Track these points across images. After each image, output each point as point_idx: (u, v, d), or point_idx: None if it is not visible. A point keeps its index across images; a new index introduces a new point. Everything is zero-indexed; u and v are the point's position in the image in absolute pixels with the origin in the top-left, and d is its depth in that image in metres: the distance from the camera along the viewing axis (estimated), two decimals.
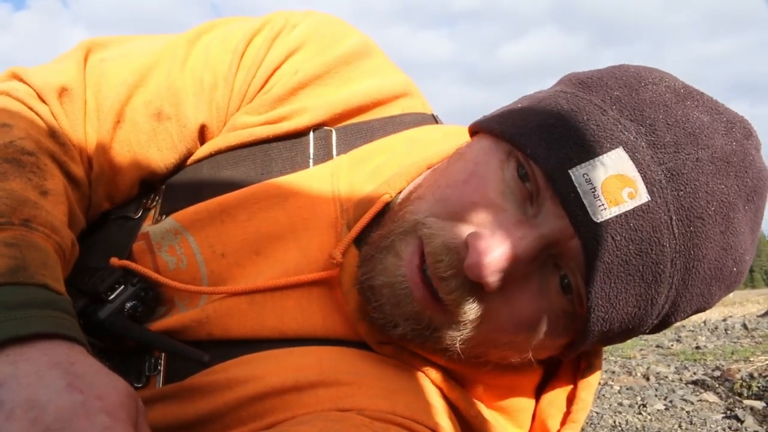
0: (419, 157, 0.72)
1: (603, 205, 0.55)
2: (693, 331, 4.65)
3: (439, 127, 0.81)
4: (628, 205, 0.55)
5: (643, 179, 0.56)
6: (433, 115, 0.84)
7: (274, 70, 0.76)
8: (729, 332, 4.44)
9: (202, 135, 0.77)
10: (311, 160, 0.74)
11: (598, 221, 0.55)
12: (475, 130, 0.69)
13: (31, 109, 0.71)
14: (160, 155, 0.75)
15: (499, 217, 0.59)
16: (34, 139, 0.67)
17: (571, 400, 0.72)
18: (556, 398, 0.73)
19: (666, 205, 0.56)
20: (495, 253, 0.56)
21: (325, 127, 0.76)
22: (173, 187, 0.76)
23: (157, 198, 0.76)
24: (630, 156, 0.56)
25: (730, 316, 5.98)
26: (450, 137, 0.76)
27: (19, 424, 0.45)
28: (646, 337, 4.39)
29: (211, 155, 0.76)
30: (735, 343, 3.86)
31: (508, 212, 0.59)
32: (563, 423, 0.70)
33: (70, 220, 0.68)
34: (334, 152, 0.75)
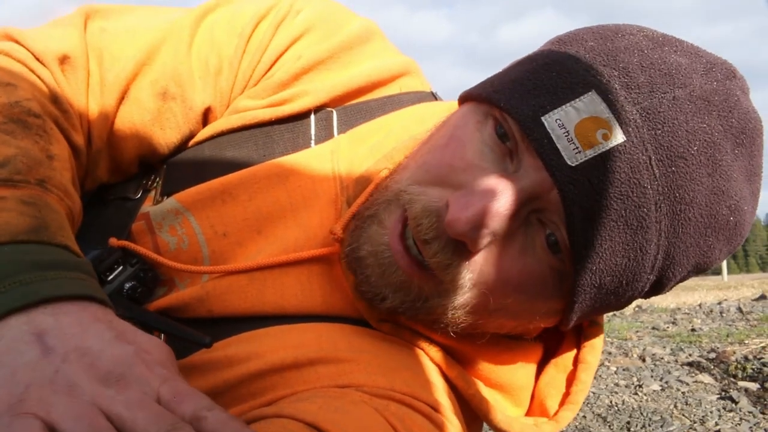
0: (417, 131, 0.72)
1: (577, 148, 0.54)
2: (688, 313, 4.68)
3: (437, 104, 0.81)
4: (603, 147, 0.54)
5: (617, 119, 0.54)
6: (432, 93, 0.84)
7: (279, 57, 0.76)
8: (724, 315, 4.47)
9: (206, 118, 0.76)
10: (312, 141, 0.74)
11: (573, 165, 0.54)
12: (462, 99, 0.69)
13: (32, 71, 0.68)
14: (163, 134, 0.75)
15: (478, 175, 0.58)
16: (39, 101, 0.65)
17: (570, 380, 0.72)
18: (555, 378, 0.73)
19: (643, 145, 0.55)
20: (474, 207, 0.55)
21: (326, 108, 0.76)
22: (174, 168, 0.76)
23: (157, 179, 0.76)
24: (603, 98, 0.55)
25: (725, 300, 6.02)
26: (448, 112, 0.76)
27: (78, 367, 0.43)
28: (642, 318, 4.42)
29: (213, 137, 0.75)
30: (730, 325, 3.89)
31: (487, 170, 0.59)
32: (562, 404, 0.70)
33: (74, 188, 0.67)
34: (335, 132, 0.75)
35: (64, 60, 0.70)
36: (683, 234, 0.58)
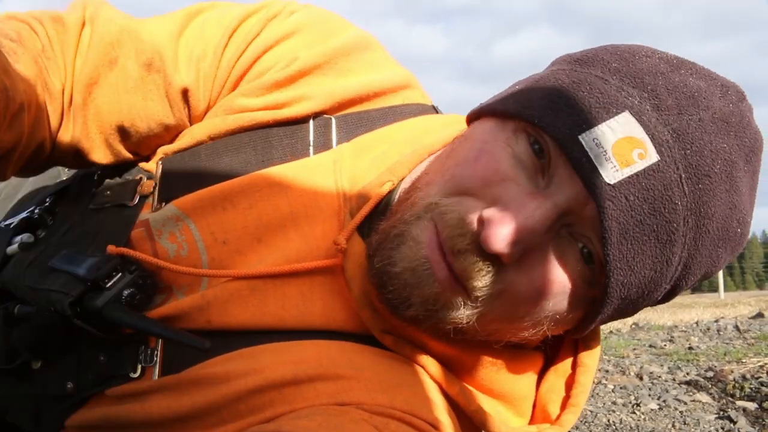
0: (420, 144, 0.72)
1: (615, 167, 0.56)
2: (685, 331, 4.67)
3: (439, 116, 0.81)
4: (639, 166, 0.57)
5: (651, 140, 0.57)
6: (433, 106, 0.84)
7: (266, 50, 0.76)
8: (721, 333, 4.46)
9: (186, 100, 0.76)
10: (311, 148, 0.74)
11: (612, 183, 0.56)
12: (475, 115, 0.69)
13: (29, 26, 0.73)
14: (144, 104, 0.75)
15: (513, 189, 0.60)
16: (24, 37, 0.70)
17: (570, 384, 0.72)
18: (555, 384, 0.73)
19: (675, 164, 0.57)
20: (511, 224, 0.57)
21: (325, 115, 0.75)
22: (171, 173, 0.75)
23: (154, 185, 0.76)
24: (637, 119, 0.58)
25: (722, 318, 6.00)
26: (450, 125, 0.76)
27: None
28: (639, 336, 4.41)
29: (210, 139, 0.75)
30: (727, 344, 3.88)
31: (521, 185, 0.60)
32: (563, 407, 0.70)
33: (34, 107, 0.69)
34: (334, 140, 0.74)
35: (57, 20, 0.75)
36: (702, 246, 0.60)
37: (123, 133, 0.76)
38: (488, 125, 0.65)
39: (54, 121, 0.73)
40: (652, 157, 0.57)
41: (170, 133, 0.78)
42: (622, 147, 0.57)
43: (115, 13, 0.77)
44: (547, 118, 0.59)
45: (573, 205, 0.58)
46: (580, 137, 0.57)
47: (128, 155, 0.79)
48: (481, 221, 0.58)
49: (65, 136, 0.75)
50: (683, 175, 0.57)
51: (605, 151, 0.57)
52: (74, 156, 0.77)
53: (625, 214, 0.56)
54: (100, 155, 0.77)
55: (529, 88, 0.64)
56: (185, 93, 0.75)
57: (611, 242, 0.57)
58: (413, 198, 0.65)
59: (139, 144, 0.78)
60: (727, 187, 0.60)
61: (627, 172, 0.56)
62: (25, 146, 0.69)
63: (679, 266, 0.61)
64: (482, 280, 0.60)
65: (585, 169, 0.57)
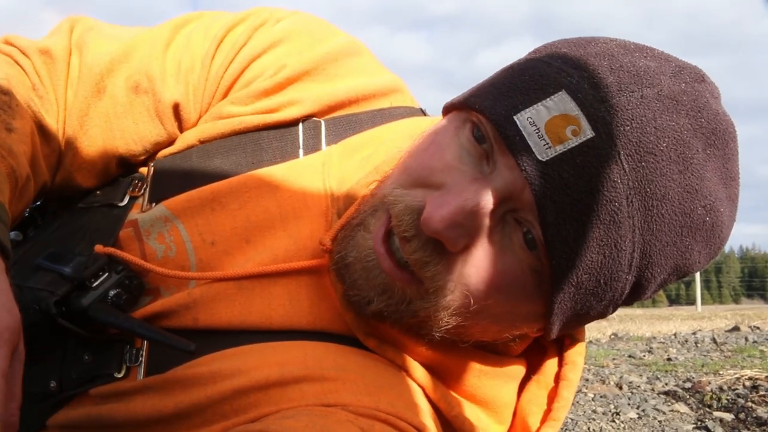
0: (406, 144, 0.73)
1: (547, 144, 0.56)
2: (664, 343, 4.71)
3: (427, 118, 0.82)
4: (573, 142, 0.55)
5: (586, 116, 0.55)
6: (420, 109, 0.85)
7: (254, 58, 0.76)
8: (699, 345, 4.51)
9: (177, 114, 0.76)
10: (301, 150, 0.74)
11: (544, 160, 0.55)
12: (445, 111, 0.70)
13: (16, 62, 0.73)
14: (135, 128, 0.75)
15: (456, 176, 0.60)
16: (12, 82, 0.69)
17: (552, 397, 0.72)
18: (537, 395, 0.73)
19: (612, 140, 0.55)
20: (449, 207, 0.57)
21: (314, 119, 0.76)
22: (162, 175, 0.75)
23: (144, 186, 0.75)
24: (572, 97, 0.56)
25: (700, 330, 6.07)
26: None
27: None
28: (618, 346, 4.44)
29: (200, 142, 0.75)
30: (705, 356, 3.92)
31: (464, 172, 0.60)
32: (543, 421, 0.70)
33: (31, 163, 0.68)
34: (323, 142, 0.75)
35: (44, 52, 0.74)
36: (658, 231, 0.58)
37: (120, 159, 0.77)
38: (446, 118, 0.67)
39: (52, 162, 0.74)
40: (587, 133, 0.55)
41: (163, 146, 0.78)
42: (556, 125, 0.56)
43: (101, 38, 0.77)
44: (486, 102, 0.59)
45: (513, 189, 0.58)
46: (515, 117, 0.57)
47: (120, 172, 0.79)
48: (424, 206, 0.59)
49: (62, 172, 0.76)
50: (622, 152, 0.55)
51: (538, 129, 0.56)
52: (67, 188, 0.78)
53: (559, 192, 0.55)
54: (92, 183, 0.78)
55: (485, 80, 0.65)
56: (176, 107, 0.76)
57: (548, 223, 0.56)
58: (374, 191, 0.66)
59: (133, 162, 0.78)
60: (679, 168, 0.57)
61: (560, 149, 0.55)
62: (30, 202, 0.71)
63: (635, 253, 0.58)
64: (431, 268, 0.60)
65: (518, 147, 0.56)
